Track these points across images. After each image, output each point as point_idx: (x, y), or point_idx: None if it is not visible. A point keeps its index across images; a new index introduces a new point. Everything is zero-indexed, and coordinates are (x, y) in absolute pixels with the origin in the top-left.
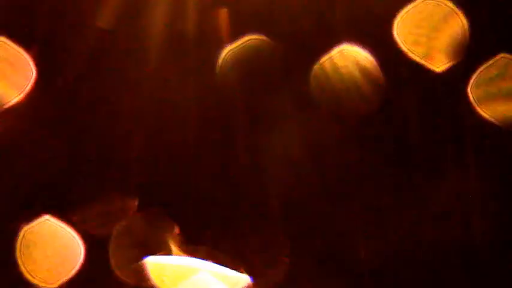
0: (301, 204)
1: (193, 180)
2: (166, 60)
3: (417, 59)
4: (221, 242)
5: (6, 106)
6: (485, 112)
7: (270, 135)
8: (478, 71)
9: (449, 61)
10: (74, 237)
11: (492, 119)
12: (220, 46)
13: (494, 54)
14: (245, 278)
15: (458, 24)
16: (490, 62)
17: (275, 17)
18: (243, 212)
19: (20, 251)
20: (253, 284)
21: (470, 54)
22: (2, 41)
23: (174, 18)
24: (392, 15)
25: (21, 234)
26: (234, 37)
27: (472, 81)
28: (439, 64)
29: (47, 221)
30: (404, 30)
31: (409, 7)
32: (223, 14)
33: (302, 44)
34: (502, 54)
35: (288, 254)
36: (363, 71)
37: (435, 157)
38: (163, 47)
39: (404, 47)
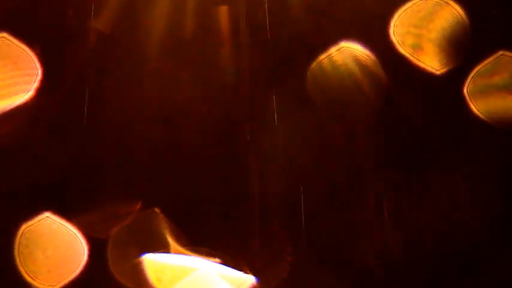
0: (302, 203)
1: (194, 180)
2: (166, 60)
3: (415, 60)
4: (221, 241)
5: (12, 107)
6: (481, 111)
7: (270, 135)
8: (476, 69)
9: (450, 63)
10: (76, 236)
11: (489, 119)
12: (220, 46)
13: (493, 51)
14: (250, 278)
15: (458, 23)
16: (489, 59)
17: (275, 16)
18: (244, 211)
19: (19, 250)
20: (257, 283)
21: (469, 52)
22: (4, 37)
23: (174, 19)
24: (390, 14)
25: (20, 232)
26: (234, 37)
27: (469, 79)
28: (439, 66)
29: (48, 218)
30: (402, 29)
31: (407, 6)
32: (223, 13)
33: (302, 43)
34: (501, 52)
35: (290, 253)
36: (362, 68)
37: (435, 156)
38: (164, 47)
39: (401, 47)
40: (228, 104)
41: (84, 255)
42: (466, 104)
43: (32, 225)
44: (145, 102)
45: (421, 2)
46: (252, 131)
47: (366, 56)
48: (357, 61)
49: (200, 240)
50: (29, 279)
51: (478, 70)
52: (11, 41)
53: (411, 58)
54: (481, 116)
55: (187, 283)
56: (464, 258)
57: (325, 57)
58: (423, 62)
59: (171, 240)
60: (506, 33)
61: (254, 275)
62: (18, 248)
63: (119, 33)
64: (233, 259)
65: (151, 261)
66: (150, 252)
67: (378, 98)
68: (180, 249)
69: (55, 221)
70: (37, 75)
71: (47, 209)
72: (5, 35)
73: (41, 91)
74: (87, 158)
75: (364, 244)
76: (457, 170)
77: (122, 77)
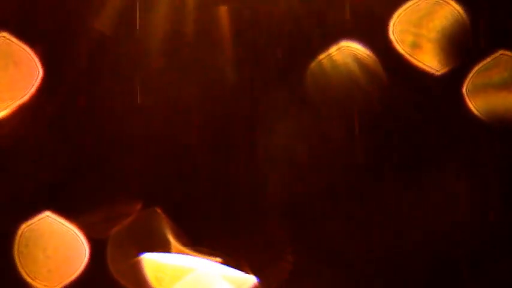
0: (302, 203)
1: (194, 180)
2: (166, 60)
3: (415, 59)
4: (222, 242)
5: (12, 107)
6: (480, 111)
7: (269, 134)
8: (476, 68)
9: (450, 63)
10: (77, 235)
11: (489, 118)
12: (220, 46)
13: (493, 51)
14: (251, 278)
15: (458, 22)
16: (488, 59)
17: (275, 16)
18: (244, 211)
19: (19, 250)
20: (258, 284)
21: (469, 51)
22: (5, 37)
23: (174, 19)
24: (389, 14)
25: (19, 232)
26: (234, 37)
27: (468, 78)
28: (439, 66)
29: (48, 217)
30: (401, 29)
31: (407, 5)
32: (223, 13)
33: (301, 42)
34: (501, 51)
35: (291, 253)
36: (363, 67)
37: (434, 156)
38: (164, 47)
39: (400, 46)
40: (228, 104)
41: (85, 255)
42: (465, 103)
43: (32, 224)
44: (145, 103)
45: (421, 1)
46: (252, 131)
47: (366, 56)
48: (357, 60)
49: (200, 240)
50: (28, 279)
51: (477, 69)
52: (12, 41)
53: (410, 58)
54: (480, 115)
55: (187, 283)
56: (464, 258)
57: (325, 57)
58: (423, 62)
59: (171, 240)
60: (506, 33)
61: (255, 275)
62: (18, 248)
63: (119, 33)
64: (233, 259)
65: (151, 261)
66: (150, 252)
67: (378, 98)
68: (181, 248)
69: (55, 220)
70: (38, 75)
71: (47, 208)
72: (5, 34)
73: (41, 91)
74: (87, 158)
75: (364, 244)
76: (456, 170)
77: (122, 77)
